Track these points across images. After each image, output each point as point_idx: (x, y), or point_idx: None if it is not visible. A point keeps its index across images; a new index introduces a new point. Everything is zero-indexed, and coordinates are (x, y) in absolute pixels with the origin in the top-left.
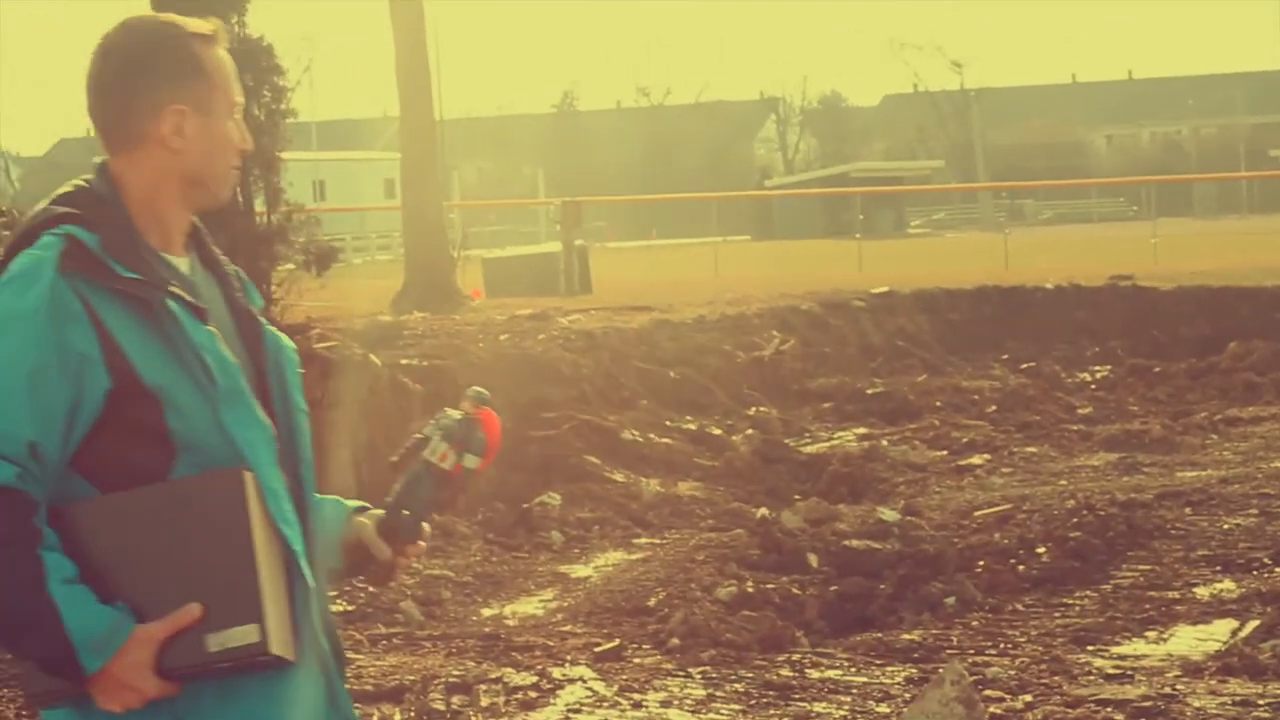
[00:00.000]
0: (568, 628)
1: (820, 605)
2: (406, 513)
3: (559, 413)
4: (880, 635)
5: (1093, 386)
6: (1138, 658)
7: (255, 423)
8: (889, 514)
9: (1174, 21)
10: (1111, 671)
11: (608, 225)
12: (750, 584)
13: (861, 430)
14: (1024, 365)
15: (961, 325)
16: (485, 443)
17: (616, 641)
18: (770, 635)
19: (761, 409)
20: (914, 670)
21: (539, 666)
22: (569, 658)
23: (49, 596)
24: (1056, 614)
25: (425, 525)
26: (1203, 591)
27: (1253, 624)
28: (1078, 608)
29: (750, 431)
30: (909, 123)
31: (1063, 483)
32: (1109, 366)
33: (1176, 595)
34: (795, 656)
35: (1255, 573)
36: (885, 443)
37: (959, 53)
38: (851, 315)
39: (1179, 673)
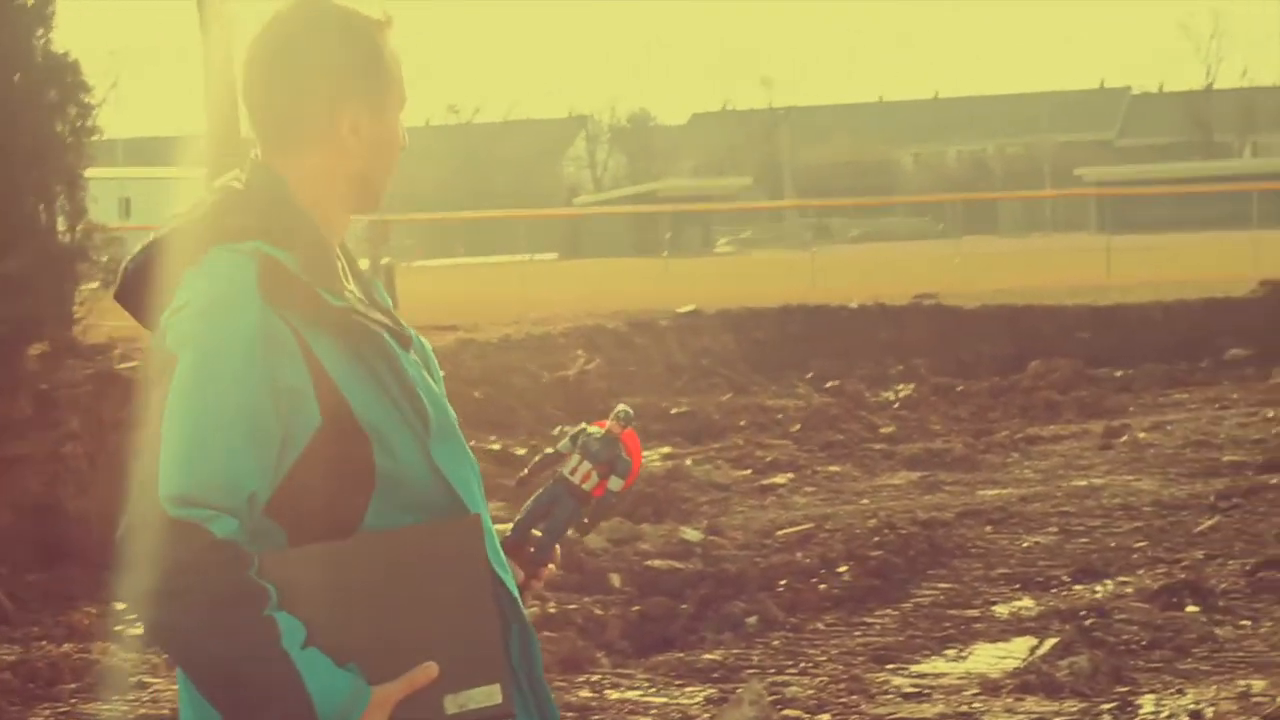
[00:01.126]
0: None
1: (622, 625)
2: (538, 533)
3: None
4: (682, 655)
5: (896, 405)
6: (936, 676)
7: (466, 460)
8: (692, 534)
9: (979, 41)
10: (910, 690)
11: (417, 244)
12: (552, 604)
13: (666, 450)
14: (828, 384)
15: (767, 344)
16: (630, 465)
17: None
18: (570, 656)
19: (566, 429)
20: (714, 690)
21: None
22: None
23: (290, 662)
24: (857, 633)
25: (557, 547)
26: (1002, 610)
27: (1051, 641)
28: (878, 626)
29: None
30: (718, 141)
31: (865, 501)
32: (912, 385)
33: (976, 613)
34: (595, 677)
35: (1054, 591)
36: (689, 462)
37: (768, 71)
38: (657, 334)
39: (977, 691)
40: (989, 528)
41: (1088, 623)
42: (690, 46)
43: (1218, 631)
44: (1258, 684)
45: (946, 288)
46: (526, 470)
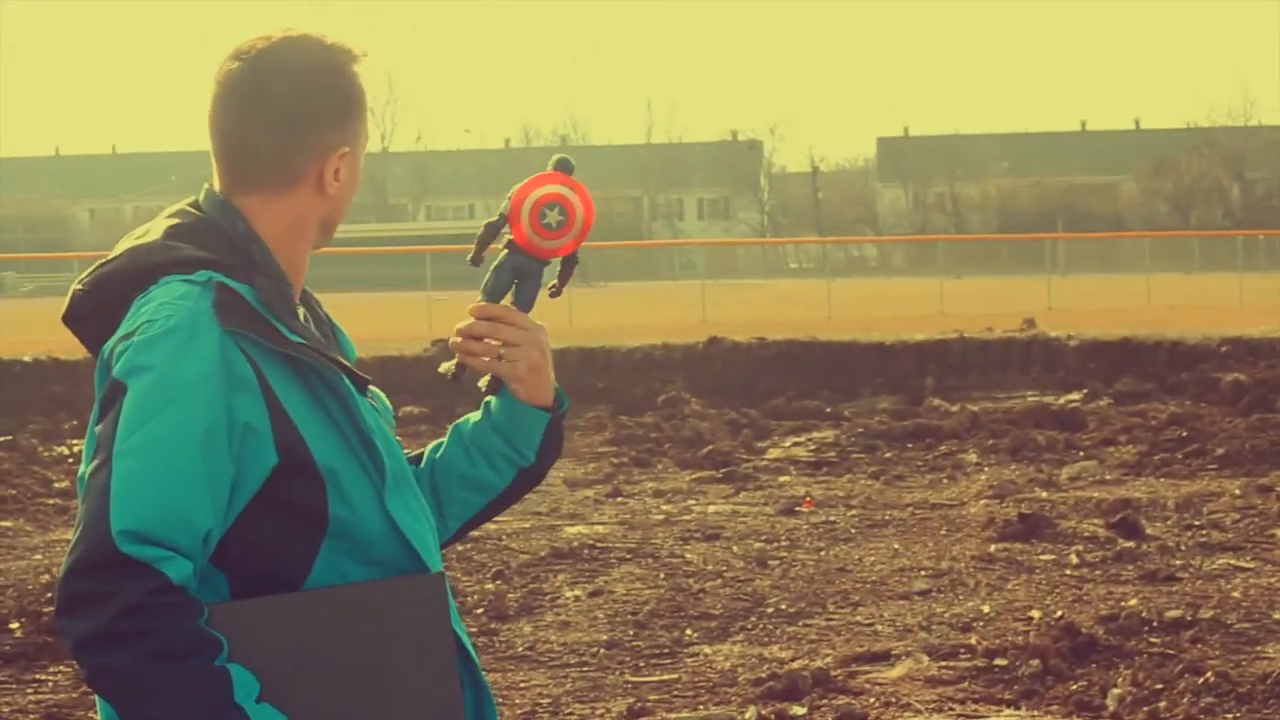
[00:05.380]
0: None
1: None
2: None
3: None
4: None
5: (70, 460)
6: None
7: (422, 513)
8: None
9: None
10: None
11: None
12: None
13: None
14: (2, 439)
15: None
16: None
17: None
18: None
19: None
20: None
21: None
22: None
23: (245, 716)
24: (30, 690)
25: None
26: None
27: None
28: (51, 683)
29: None
30: None
31: (38, 558)
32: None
33: None
34: None
35: None
36: None
37: None
38: None
39: None
40: None
41: None
42: None
43: None
44: None
45: None
46: (469, 256)
